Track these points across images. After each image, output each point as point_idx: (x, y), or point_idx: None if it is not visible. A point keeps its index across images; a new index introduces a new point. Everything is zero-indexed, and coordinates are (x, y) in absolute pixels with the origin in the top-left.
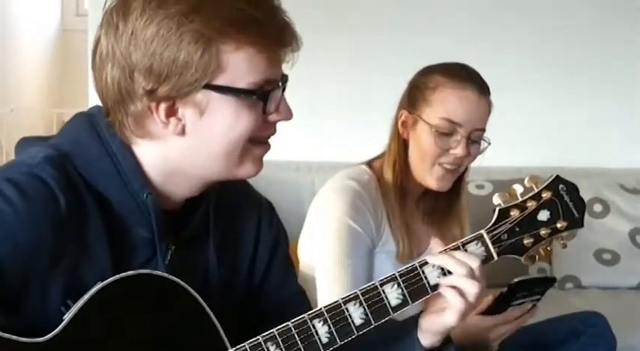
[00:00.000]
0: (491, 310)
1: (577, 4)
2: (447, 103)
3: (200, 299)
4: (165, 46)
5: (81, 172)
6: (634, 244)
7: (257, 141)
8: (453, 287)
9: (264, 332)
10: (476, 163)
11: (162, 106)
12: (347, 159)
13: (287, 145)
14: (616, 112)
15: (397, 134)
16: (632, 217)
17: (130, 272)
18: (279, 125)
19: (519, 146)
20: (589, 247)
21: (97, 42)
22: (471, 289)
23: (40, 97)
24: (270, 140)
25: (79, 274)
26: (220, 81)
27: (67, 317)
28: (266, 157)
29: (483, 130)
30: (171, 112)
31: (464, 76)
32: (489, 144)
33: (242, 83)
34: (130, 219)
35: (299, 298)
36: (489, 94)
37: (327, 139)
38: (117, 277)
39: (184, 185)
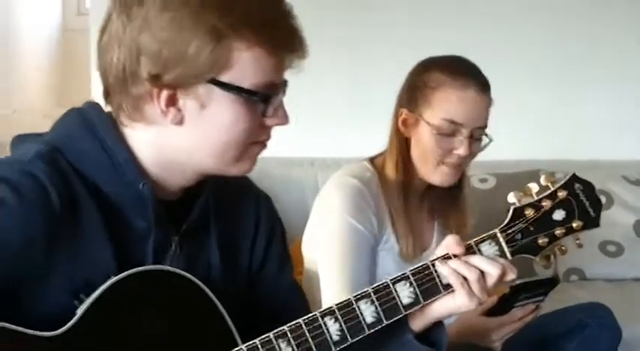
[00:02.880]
0: (494, 311)
1: None
2: (448, 104)
3: (211, 294)
4: (177, 34)
5: (74, 166)
6: (638, 235)
7: (253, 141)
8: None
9: (256, 323)
10: (479, 157)
11: (164, 94)
12: (350, 155)
13: (290, 141)
14: (619, 104)
15: (398, 132)
16: (635, 208)
17: (142, 267)
18: None
19: (522, 139)
20: (593, 239)
21: (108, 20)
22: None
23: (42, 97)
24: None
25: (81, 268)
26: (226, 78)
27: (80, 311)
28: (269, 154)
29: (485, 126)
30: (171, 102)
31: (464, 74)
32: (491, 140)
33: (246, 83)
34: (128, 210)
35: (293, 291)
36: (490, 89)
37: (330, 134)
38: (130, 271)
39: (179, 175)
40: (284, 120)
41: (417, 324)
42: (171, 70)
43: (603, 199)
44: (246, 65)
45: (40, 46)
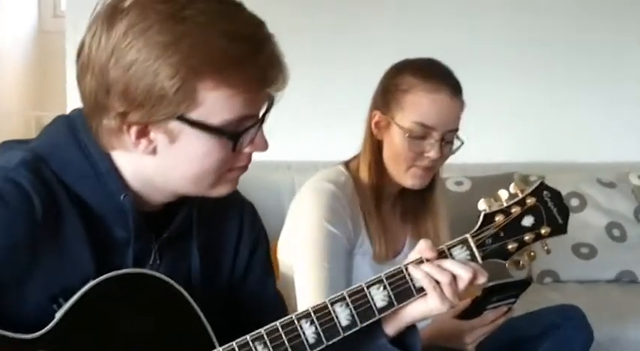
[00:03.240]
0: (467, 314)
1: None
2: (420, 107)
3: (189, 298)
4: (141, 75)
5: (58, 175)
6: (611, 237)
7: (230, 169)
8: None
9: (238, 331)
10: (454, 160)
11: (134, 129)
12: (326, 158)
13: None
14: (593, 107)
15: (371, 135)
16: (608, 210)
17: (121, 271)
18: None
19: (497, 143)
20: (566, 241)
21: (82, 47)
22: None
23: (17, 100)
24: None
25: (61, 273)
26: (194, 115)
27: (59, 314)
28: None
29: (456, 129)
30: (142, 134)
31: (436, 77)
32: (462, 143)
33: (216, 120)
34: (109, 219)
35: (275, 301)
36: (462, 92)
37: (306, 138)
38: (108, 275)
39: (159, 194)
40: (262, 147)
41: (391, 328)
42: (137, 109)
43: (577, 202)
44: (214, 103)
45: (15, 48)
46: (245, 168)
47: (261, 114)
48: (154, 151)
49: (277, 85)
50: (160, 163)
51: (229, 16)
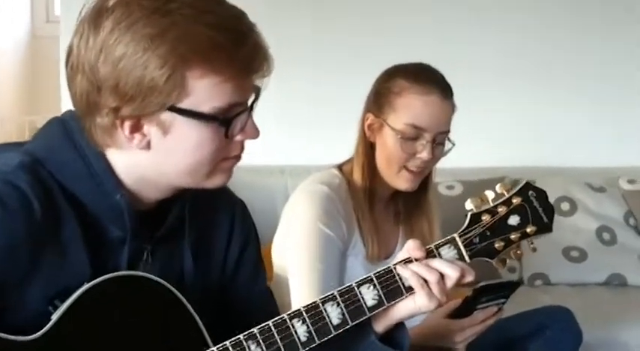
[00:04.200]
0: (458, 313)
1: (554, 2)
2: (411, 109)
3: (182, 298)
4: (131, 68)
5: (55, 177)
6: (600, 241)
7: (224, 158)
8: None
9: (229, 328)
10: (445, 165)
11: (127, 123)
12: (319, 162)
13: (259, 148)
14: (584, 112)
15: (364, 137)
16: (598, 215)
17: (115, 273)
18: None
19: (488, 147)
20: (557, 244)
21: (70, 50)
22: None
23: (11, 104)
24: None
25: (59, 274)
26: (185, 104)
27: (55, 316)
28: (239, 162)
29: (448, 131)
30: (136, 128)
31: (427, 79)
32: (454, 145)
33: (206, 107)
34: (105, 219)
35: (265, 297)
36: (453, 95)
37: (299, 142)
38: (103, 277)
39: (154, 190)
40: (253, 134)
41: (380, 326)
42: (129, 102)
43: (567, 206)
44: (203, 91)
45: (8, 53)
46: (239, 158)
47: (249, 103)
48: (148, 146)
49: (263, 72)
50: (155, 157)
51: (212, 9)
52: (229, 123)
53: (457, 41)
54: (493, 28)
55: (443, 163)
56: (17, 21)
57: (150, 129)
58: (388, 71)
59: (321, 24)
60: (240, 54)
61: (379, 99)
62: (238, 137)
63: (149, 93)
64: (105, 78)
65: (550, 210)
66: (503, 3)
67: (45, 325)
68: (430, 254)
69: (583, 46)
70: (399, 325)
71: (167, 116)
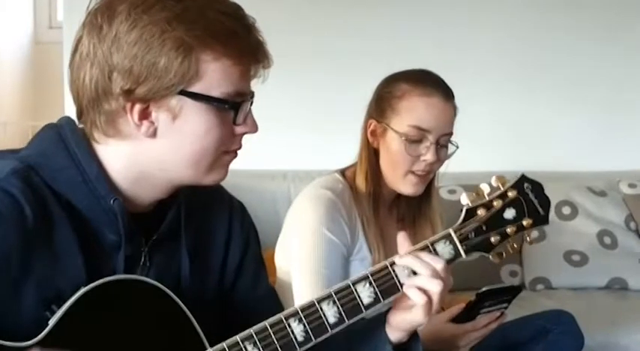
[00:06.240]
0: (461, 318)
1: (547, 6)
2: (414, 111)
3: (179, 301)
4: (147, 50)
5: (48, 183)
6: (602, 245)
7: (225, 151)
8: (418, 287)
9: (236, 330)
10: (447, 169)
11: (137, 108)
12: (322, 167)
13: (262, 154)
14: (585, 117)
15: (367, 143)
16: (599, 219)
17: (112, 277)
18: (257, 135)
19: (490, 151)
20: (558, 248)
21: (79, 41)
22: (435, 288)
23: (14, 110)
24: (243, 151)
25: (53, 280)
26: (196, 88)
27: (52, 321)
28: (241, 166)
29: (451, 134)
30: (144, 115)
31: (429, 82)
32: (457, 147)
33: (216, 92)
34: (99, 224)
35: (270, 297)
36: (454, 98)
37: (302, 147)
38: (99, 281)
39: (151, 189)
40: (253, 128)
41: (395, 336)
42: (142, 84)
43: (568, 210)
44: (214, 75)
45: (11, 59)
46: (236, 154)
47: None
48: (154, 134)
49: (264, 63)
50: (161, 146)
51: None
52: (238, 107)
53: (458, 46)
54: (495, 33)
55: (444, 168)
56: (20, 27)
57: (158, 115)
58: (389, 78)
59: (323, 29)
60: (248, 39)
61: (381, 104)
62: (240, 129)
63: (163, 74)
64: (119, 62)
65: (546, 202)
66: (503, 7)
67: (42, 331)
68: (425, 250)
69: (584, 50)
70: (414, 336)
71: (177, 101)
